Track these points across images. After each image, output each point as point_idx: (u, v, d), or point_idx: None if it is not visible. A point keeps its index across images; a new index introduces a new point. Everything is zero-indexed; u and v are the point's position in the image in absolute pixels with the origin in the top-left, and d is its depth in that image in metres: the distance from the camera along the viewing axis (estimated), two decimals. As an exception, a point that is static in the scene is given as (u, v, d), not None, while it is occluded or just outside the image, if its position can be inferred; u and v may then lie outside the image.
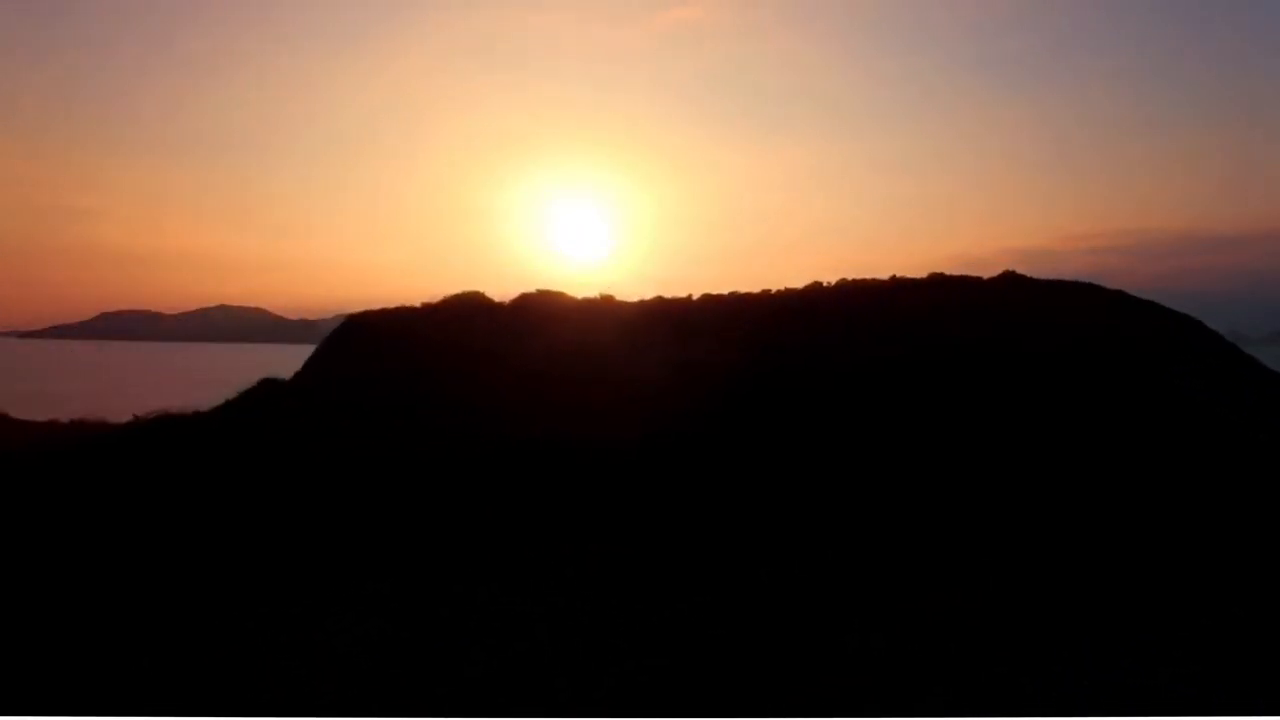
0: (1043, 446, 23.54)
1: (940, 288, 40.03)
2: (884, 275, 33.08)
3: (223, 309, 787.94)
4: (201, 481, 18.94)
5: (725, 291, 31.82)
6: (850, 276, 33.07)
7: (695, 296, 29.15)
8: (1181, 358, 28.25)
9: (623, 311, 27.01)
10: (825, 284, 35.32)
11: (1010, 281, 44.05)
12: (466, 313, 25.97)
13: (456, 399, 20.22)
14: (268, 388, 23.48)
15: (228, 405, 23.50)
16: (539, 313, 25.48)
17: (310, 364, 26.28)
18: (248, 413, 22.01)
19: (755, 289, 31.33)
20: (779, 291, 32.44)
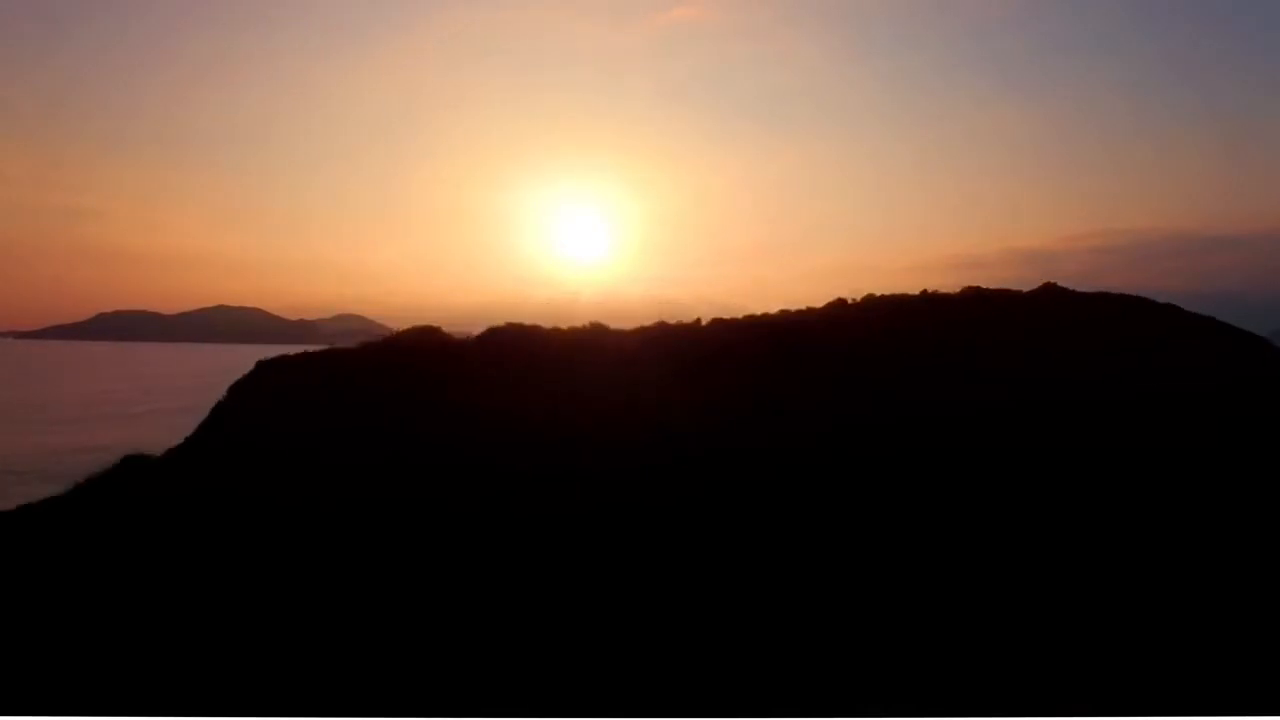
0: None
1: (978, 303, 35.75)
2: (893, 279, 28.69)
3: (221, 309, 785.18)
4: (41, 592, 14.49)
5: (734, 302, 27.53)
6: (862, 284, 28.70)
7: (704, 321, 24.61)
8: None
9: (616, 344, 22.09)
10: (850, 300, 30.97)
11: (1051, 295, 39.87)
12: (415, 353, 21.00)
13: (381, 487, 15.56)
14: (130, 469, 18.35)
15: (78, 492, 18.40)
16: (508, 353, 20.56)
17: (204, 427, 21.53)
18: (100, 505, 16.95)
19: (767, 299, 27.04)
20: (799, 312, 27.99)
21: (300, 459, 17.41)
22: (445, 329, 22.41)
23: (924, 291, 33.67)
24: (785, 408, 20.25)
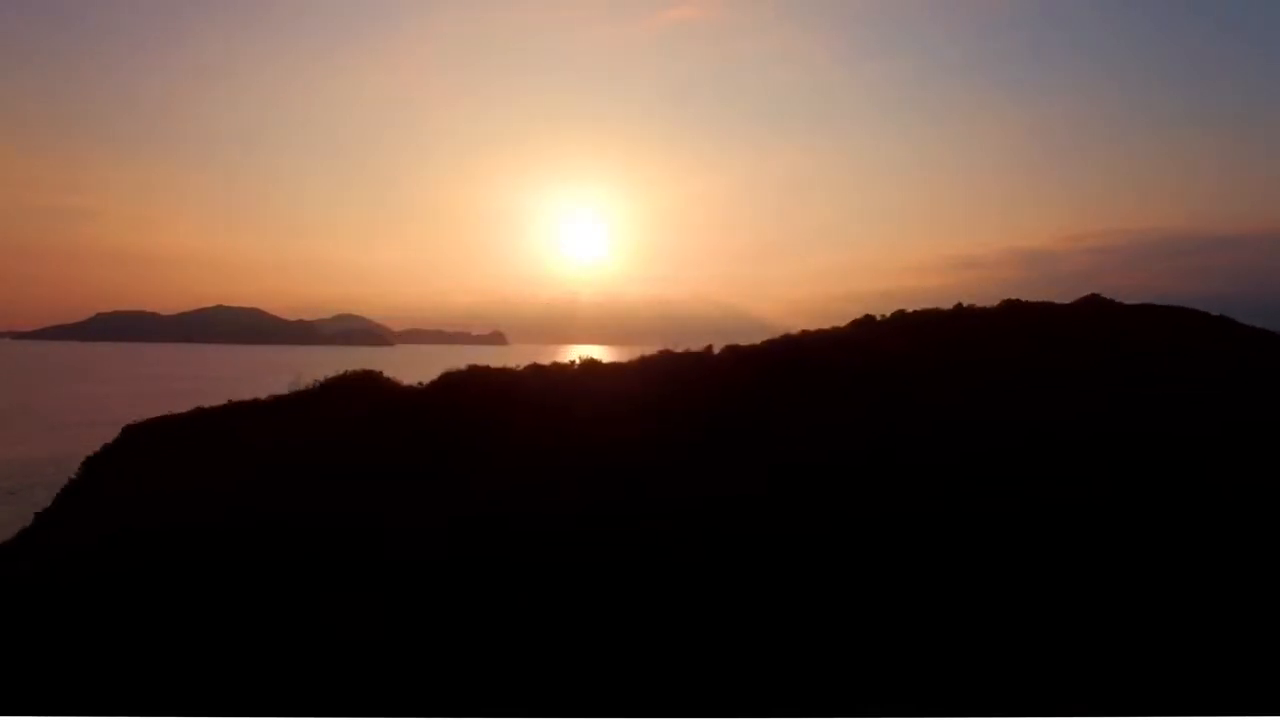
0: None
1: (1017, 318, 32.17)
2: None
3: (220, 309, 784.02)
4: None
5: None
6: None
7: (717, 349, 20.68)
8: None
9: (611, 384, 17.79)
10: (880, 318, 27.40)
11: (1095, 308, 36.36)
12: (344, 407, 16.65)
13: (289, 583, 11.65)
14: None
15: None
16: (467, 406, 16.14)
17: (44, 518, 17.44)
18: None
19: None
20: (823, 332, 24.28)
21: (185, 555, 13.52)
22: (392, 382, 18.01)
23: (958, 305, 30.06)
24: (813, 478, 16.56)
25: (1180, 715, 9.86)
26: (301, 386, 18.71)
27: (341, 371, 18.35)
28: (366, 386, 17.58)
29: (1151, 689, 13.65)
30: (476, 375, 17.20)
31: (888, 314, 27.70)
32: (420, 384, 17.86)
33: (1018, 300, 32.10)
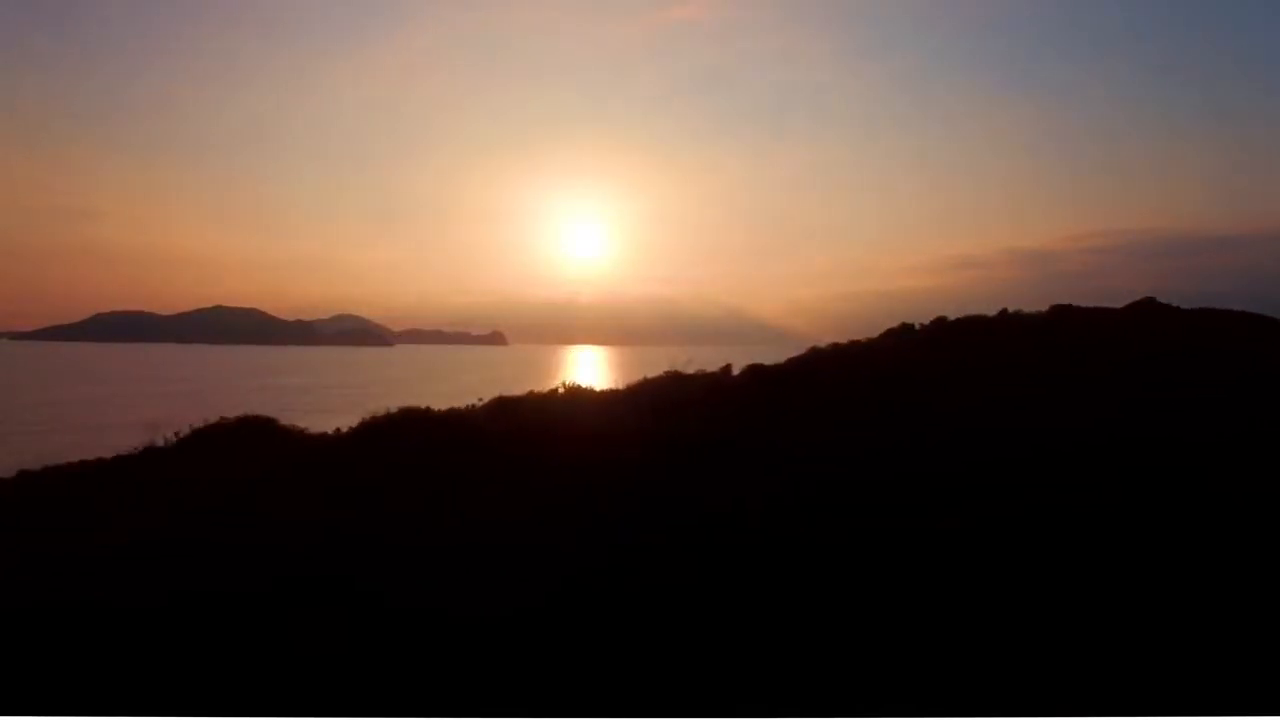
0: None
1: (1067, 320, 28.69)
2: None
3: (219, 309, 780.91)
4: None
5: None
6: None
7: (736, 370, 17.01)
8: None
9: (595, 420, 13.74)
10: (917, 327, 23.84)
11: (1151, 312, 32.91)
12: (223, 463, 12.42)
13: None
14: None
15: None
16: (412, 462, 11.95)
17: None
18: None
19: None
20: (857, 345, 20.75)
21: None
22: (291, 430, 13.95)
23: (1003, 311, 26.56)
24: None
25: (1180, 715, 9.29)
26: (161, 442, 14.51)
27: (217, 418, 14.22)
28: (257, 436, 13.55)
29: (1152, 690, 12.14)
30: (413, 418, 13.04)
31: (927, 321, 24.17)
32: (339, 430, 13.78)
33: (1068, 305, 28.66)
